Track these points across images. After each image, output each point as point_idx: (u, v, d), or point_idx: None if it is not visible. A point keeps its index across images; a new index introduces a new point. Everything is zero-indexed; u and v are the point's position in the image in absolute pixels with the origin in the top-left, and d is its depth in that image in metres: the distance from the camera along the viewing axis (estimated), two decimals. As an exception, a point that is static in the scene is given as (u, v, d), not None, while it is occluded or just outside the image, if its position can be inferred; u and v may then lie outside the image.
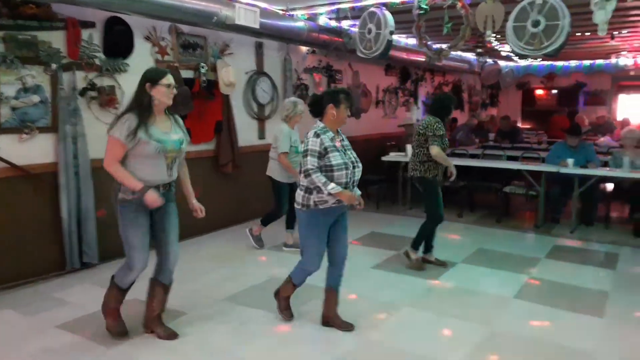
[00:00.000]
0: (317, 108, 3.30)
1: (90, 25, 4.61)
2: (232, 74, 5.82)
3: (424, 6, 5.23)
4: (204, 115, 5.72)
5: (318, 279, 4.35)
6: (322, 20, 6.49)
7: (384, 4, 5.46)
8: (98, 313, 3.50)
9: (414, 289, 4.23)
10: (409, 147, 7.20)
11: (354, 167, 3.25)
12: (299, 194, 3.28)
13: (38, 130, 4.31)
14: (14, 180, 4.22)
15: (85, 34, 4.57)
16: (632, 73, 10.76)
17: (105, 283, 4.30)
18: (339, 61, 7.99)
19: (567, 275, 4.59)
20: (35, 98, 4.27)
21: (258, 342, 3.28)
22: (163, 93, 3.02)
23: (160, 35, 5.27)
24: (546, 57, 5.19)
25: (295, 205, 3.33)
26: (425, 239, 4.74)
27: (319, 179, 3.12)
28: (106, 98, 4.74)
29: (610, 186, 6.82)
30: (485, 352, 3.17)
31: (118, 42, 4.87)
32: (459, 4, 5.03)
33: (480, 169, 6.78)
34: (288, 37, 6.10)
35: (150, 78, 3.00)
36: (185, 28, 5.47)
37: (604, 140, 8.61)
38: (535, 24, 4.55)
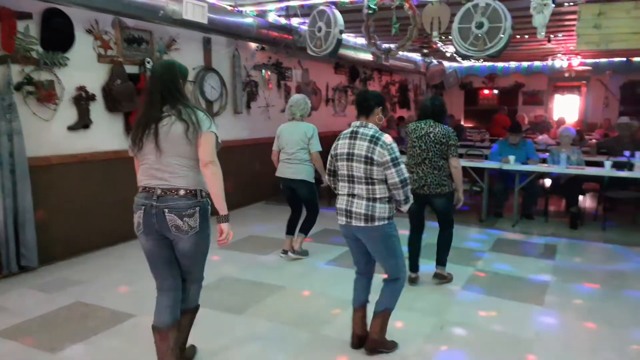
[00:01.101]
0: (366, 106, 2.98)
1: (26, 16, 4.37)
2: (179, 69, 5.68)
3: (373, 6, 5.31)
4: (151, 112, 5.55)
5: (273, 276, 4.33)
6: (272, 17, 6.45)
7: (334, 3, 5.49)
8: (39, 319, 3.33)
9: (365, 284, 4.27)
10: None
11: None
12: (384, 207, 2.92)
13: (-31, 126, 4.06)
14: (-57, 180, 3.95)
15: (20, 25, 4.33)
16: (566, 75, 11.37)
17: (46, 287, 4.11)
18: (289, 58, 7.97)
19: (510, 266, 4.80)
20: (-34, 92, 4.01)
21: (212, 342, 3.22)
22: (189, 90, 2.82)
23: (102, 28, 5.07)
24: (489, 58, 5.39)
25: (379, 222, 2.92)
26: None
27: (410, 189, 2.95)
28: (45, 93, 4.51)
29: (548, 181, 7.17)
30: (436, 343, 3.26)
31: (57, 34, 4.64)
32: (407, 5, 5.15)
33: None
34: (237, 33, 6.02)
35: (183, 75, 2.72)
36: (129, 22, 5.28)
37: (542, 138, 9.04)
38: (479, 25, 4.72)
